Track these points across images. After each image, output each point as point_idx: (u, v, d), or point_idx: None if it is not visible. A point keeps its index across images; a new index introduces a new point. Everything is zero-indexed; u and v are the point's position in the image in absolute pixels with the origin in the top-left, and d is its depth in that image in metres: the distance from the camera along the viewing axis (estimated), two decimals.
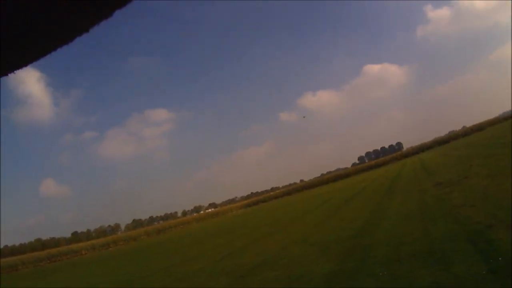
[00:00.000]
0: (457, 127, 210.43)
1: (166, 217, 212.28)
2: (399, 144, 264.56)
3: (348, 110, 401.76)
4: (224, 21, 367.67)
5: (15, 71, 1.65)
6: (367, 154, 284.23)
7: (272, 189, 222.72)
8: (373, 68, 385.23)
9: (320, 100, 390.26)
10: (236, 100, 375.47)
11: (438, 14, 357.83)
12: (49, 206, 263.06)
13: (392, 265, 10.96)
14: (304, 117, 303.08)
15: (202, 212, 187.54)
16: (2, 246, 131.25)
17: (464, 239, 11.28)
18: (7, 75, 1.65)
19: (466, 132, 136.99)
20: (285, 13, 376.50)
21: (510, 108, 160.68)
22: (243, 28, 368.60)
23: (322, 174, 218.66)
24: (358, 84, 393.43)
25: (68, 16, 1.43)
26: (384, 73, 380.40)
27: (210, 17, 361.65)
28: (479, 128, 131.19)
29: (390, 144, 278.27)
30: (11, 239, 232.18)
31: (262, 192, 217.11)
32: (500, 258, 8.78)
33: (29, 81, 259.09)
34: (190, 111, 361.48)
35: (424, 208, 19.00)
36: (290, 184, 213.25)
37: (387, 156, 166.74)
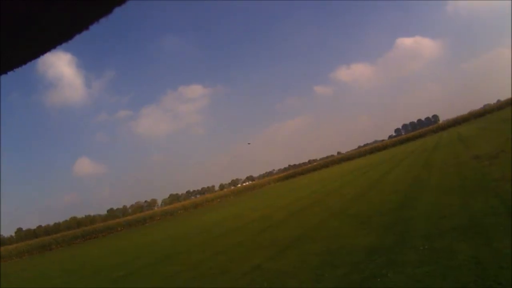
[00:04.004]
0: (491, 100, 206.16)
1: (203, 191, 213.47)
2: (435, 117, 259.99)
3: (383, 82, 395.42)
4: None
5: (14, 69, 1.69)
6: (404, 126, 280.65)
7: (310, 162, 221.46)
8: (406, 41, 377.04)
9: (355, 73, 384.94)
10: (271, 74, 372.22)
11: None
12: (85, 185, 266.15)
13: (432, 238, 11.02)
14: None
15: (239, 185, 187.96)
16: (35, 227, 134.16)
17: (505, 213, 11.21)
18: (6, 73, 1.69)
19: (501, 106, 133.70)
20: None
21: None
22: (275, 4, 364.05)
23: (359, 146, 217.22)
24: (392, 57, 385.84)
25: (67, 14, 1.48)
26: (417, 46, 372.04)
27: None
28: None
29: (426, 116, 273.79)
30: (46, 219, 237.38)
31: (300, 165, 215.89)
32: None
33: (59, 64, 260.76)
34: (225, 86, 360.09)
35: (463, 181, 18.82)
36: (327, 157, 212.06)
37: (424, 129, 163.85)
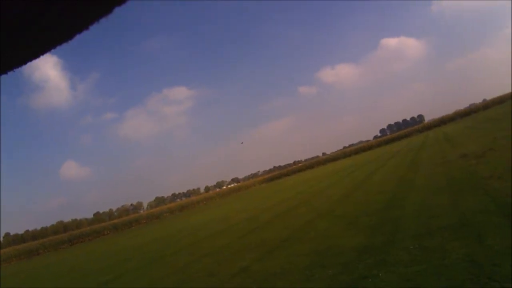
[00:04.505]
0: (477, 100, 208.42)
1: (188, 194, 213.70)
2: (420, 117, 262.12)
3: (368, 83, 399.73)
4: None
5: (14, 69, 1.65)
6: (389, 126, 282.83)
7: (295, 163, 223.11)
8: (390, 42, 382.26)
9: (339, 73, 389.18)
10: (255, 76, 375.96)
11: None
12: (71, 188, 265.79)
13: (423, 238, 10.90)
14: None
15: (225, 187, 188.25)
16: (23, 231, 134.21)
17: (496, 211, 11.17)
18: (6, 73, 1.66)
19: (487, 105, 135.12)
20: None
21: None
22: (259, 5, 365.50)
23: (344, 147, 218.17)
24: (377, 57, 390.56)
25: (67, 14, 1.44)
26: (402, 46, 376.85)
27: None
28: (500, 101, 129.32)
29: (411, 116, 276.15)
30: (33, 224, 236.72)
31: (285, 166, 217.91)
32: None
33: (45, 66, 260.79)
34: (210, 88, 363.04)
35: (451, 180, 18.80)
36: (312, 158, 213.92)
37: (409, 128, 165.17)
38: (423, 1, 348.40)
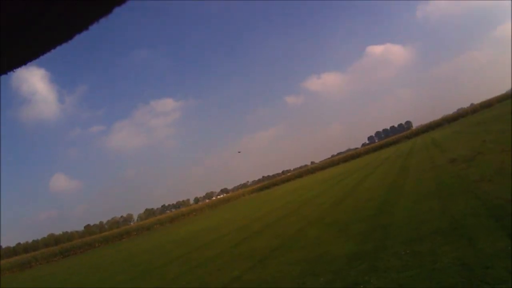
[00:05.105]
0: (465, 104, 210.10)
1: (178, 205, 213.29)
2: (408, 123, 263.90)
3: (355, 91, 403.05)
4: (224, 9, 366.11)
5: (14, 70, 1.67)
6: (377, 133, 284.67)
7: (283, 172, 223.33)
8: (376, 49, 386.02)
9: (326, 82, 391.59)
10: (241, 86, 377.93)
11: None
12: (60, 201, 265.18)
13: (414, 243, 10.85)
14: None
15: (214, 198, 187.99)
16: (14, 244, 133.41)
17: (486, 214, 11.13)
18: (6, 73, 1.66)
19: (475, 109, 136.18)
20: None
21: None
22: (243, 16, 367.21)
23: (333, 155, 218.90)
24: (363, 65, 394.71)
25: (67, 14, 1.44)
26: (388, 53, 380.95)
27: (210, 6, 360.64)
28: (488, 104, 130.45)
29: (399, 123, 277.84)
30: (24, 236, 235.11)
31: (274, 176, 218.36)
32: None
33: (33, 79, 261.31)
34: (196, 99, 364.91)
35: (441, 185, 18.78)
36: (301, 167, 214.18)
37: (397, 135, 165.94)
38: (408, 7, 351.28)
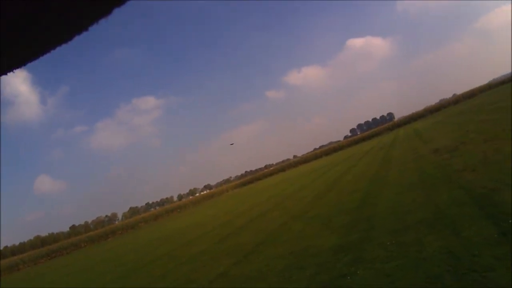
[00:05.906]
0: (447, 95, 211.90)
1: (162, 203, 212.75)
2: (390, 115, 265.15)
3: (336, 84, 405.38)
4: (204, 6, 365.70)
5: (14, 70, 1.63)
6: (359, 126, 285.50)
7: (266, 167, 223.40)
8: (357, 42, 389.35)
9: (306, 76, 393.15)
10: (222, 82, 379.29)
11: None
12: (46, 202, 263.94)
13: (399, 233, 10.83)
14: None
15: (197, 194, 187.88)
16: (1, 247, 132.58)
17: (470, 203, 11.14)
18: (6, 74, 1.63)
19: (457, 100, 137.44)
20: None
21: (500, 75, 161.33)
22: (221, 12, 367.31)
23: (315, 149, 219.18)
24: (343, 58, 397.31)
25: (67, 14, 1.40)
26: (369, 46, 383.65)
27: (190, 4, 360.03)
28: (470, 95, 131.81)
29: (381, 115, 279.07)
30: (10, 239, 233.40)
31: (256, 170, 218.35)
32: (510, 221, 8.64)
33: (15, 81, 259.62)
34: (177, 96, 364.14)
35: (424, 175, 18.84)
36: (283, 161, 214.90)
37: (379, 127, 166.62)
38: (388, 0, 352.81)
